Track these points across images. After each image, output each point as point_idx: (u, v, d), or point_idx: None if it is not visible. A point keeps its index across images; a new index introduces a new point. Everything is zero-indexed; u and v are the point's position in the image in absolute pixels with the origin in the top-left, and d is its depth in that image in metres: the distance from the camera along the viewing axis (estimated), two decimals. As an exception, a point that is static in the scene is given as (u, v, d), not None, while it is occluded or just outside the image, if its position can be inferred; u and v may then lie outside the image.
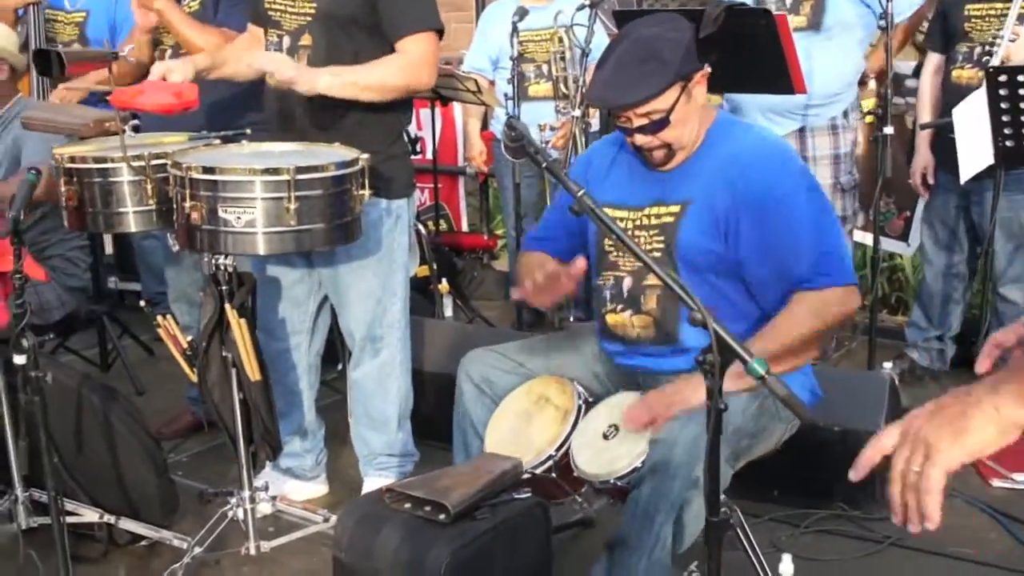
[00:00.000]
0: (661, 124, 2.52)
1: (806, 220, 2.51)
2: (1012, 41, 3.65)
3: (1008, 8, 3.73)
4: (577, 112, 4.00)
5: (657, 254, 2.59)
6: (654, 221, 2.62)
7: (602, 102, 2.76)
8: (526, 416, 2.67)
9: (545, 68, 4.64)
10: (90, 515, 3.06)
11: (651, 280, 2.61)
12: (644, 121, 2.52)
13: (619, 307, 2.69)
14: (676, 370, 2.62)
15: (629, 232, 2.62)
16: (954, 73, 4.03)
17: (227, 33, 3.39)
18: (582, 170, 2.85)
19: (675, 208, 2.60)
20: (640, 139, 2.56)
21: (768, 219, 2.50)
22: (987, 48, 3.81)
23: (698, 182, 2.58)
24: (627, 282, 2.68)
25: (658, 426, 2.41)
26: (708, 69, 2.58)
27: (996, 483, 3.48)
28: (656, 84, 2.47)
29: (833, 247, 2.53)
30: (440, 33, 3.02)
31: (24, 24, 4.66)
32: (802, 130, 4.28)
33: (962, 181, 3.67)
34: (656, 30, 2.55)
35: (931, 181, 4.22)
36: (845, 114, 4.32)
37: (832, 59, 4.05)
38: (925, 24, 4.53)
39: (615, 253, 2.70)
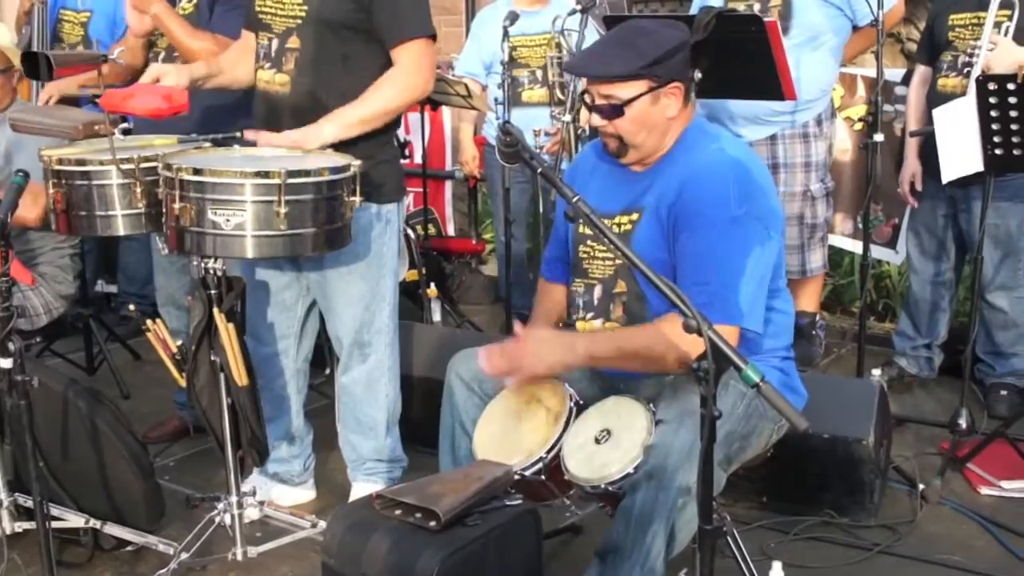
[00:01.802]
0: (616, 111, 2.53)
1: (711, 251, 2.47)
2: (990, 50, 3.67)
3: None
4: (568, 117, 3.99)
5: (619, 261, 2.62)
6: (617, 230, 2.62)
7: (571, 69, 2.81)
8: (516, 416, 2.66)
9: (539, 73, 4.63)
10: (75, 520, 3.03)
11: (619, 288, 2.64)
12: (603, 102, 2.56)
13: (589, 315, 2.72)
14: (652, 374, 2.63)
15: (601, 239, 2.62)
16: (939, 82, 4.05)
17: (220, 39, 3.37)
18: (570, 176, 2.89)
19: (634, 216, 2.62)
20: (595, 120, 2.60)
21: (689, 236, 2.49)
22: (969, 57, 3.83)
23: (655, 190, 2.59)
24: (597, 290, 2.69)
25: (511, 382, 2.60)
26: (693, 79, 2.58)
27: (984, 491, 3.49)
28: (622, 67, 2.50)
29: (728, 289, 2.45)
30: (433, 38, 3.02)
31: (29, 24, 4.64)
32: (773, 137, 4.30)
33: (944, 181, 3.68)
34: (652, 25, 2.58)
35: (919, 189, 4.24)
36: (819, 122, 4.33)
37: (804, 65, 4.05)
38: (914, 32, 4.55)
39: (588, 260, 2.72)
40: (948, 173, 3.61)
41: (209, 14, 3.53)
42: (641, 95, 2.51)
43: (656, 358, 2.46)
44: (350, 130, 2.92)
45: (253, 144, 2.94)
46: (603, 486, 2.43)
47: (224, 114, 3.39)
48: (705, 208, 2.49)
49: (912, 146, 4.24)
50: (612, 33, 2.61)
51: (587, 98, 2.60)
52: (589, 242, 2.70)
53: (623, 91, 2.52)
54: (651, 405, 2.48)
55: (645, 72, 2.50)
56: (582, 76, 2.65)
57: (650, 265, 2.47)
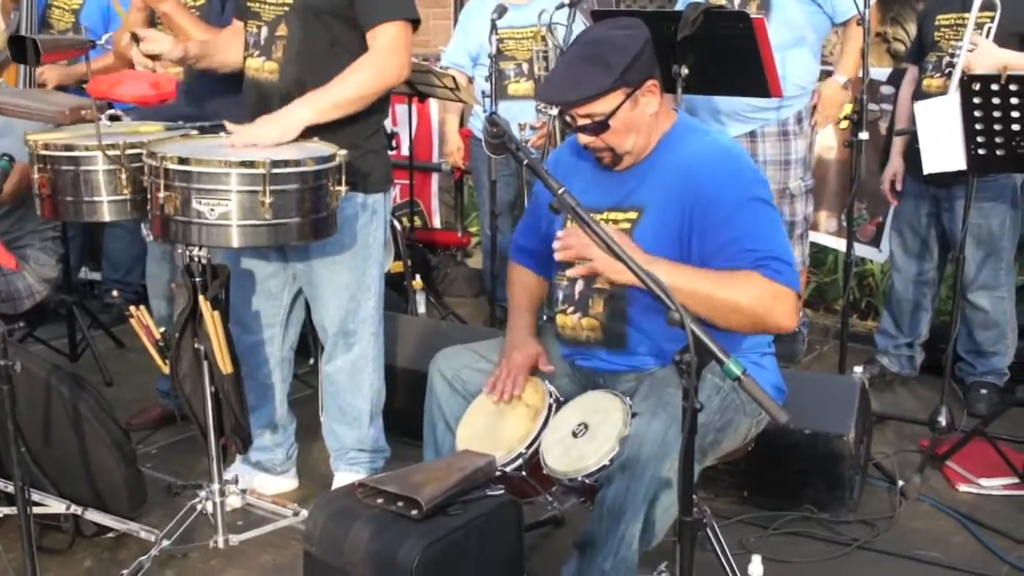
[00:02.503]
0: (602, 126, 2.53)
1: (760, 225, 2.48)
2: (970, 51, 3.69)
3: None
4: (555, 111, 4.00)
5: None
6: (612, 226, 2.60)
7: (545, 98, 2.78)
8: (498, 413, 2.67)
9: (525, 67, 4.63)
10: (57, 506, 3.03)
11: (600, 283, 2.63)
12: (586, 121, 2.54)
13: (569, 308, 2.72)
14: (632, 367, 2.65)
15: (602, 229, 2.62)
16: (924, 82, 4.08)
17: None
18: (551, 170, 2.86)
19: (632, 214, 2.60)
20: (584, 139, 2.59)
21: (721, 224, 2.48)
22: (951, 58, 3.86)
23: (652, 188, 2.58)
24: (579, 284, 2.69)
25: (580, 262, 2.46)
26: (680, 75, 2.58)
27: (963, 488, 3.52)
28: (596, 86, 2.48)
29: (784, 254, 2.47)
30: (416, 24, 3.00)
31: (16, 9, 4.62)
32: (752, 134, 4.31)
33: (925, 172, 3.69)
34: (611, 34, 2.55)
35: (899, 187, 4.27)
36: (799, 120, 4.35)
37: (785, 62, 4.05)
38: (900, 31, 4.58)
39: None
40: (929, 165, 3.63)
41: (221, 8, 3.52)
42: (621, 105, 2.51)
43: (745, 318, 2.40)
44: (325, 114, 2.89)
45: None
46: (580, 479, 2.44)
47: (214, 100, 3.38)
48: (727, 192, 2.49)
49: (897, 145, 4.27)
50: (572, 52, 2.57)
51: (568, 119, 2.58)
52: None
53: (602, 106, 2.50)
54: (628, 399, 2.49)
55: (619, 82, 2.49)
56: (557, 104, 2.60)
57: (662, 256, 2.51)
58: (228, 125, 2.94)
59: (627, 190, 2.63)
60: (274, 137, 2.83)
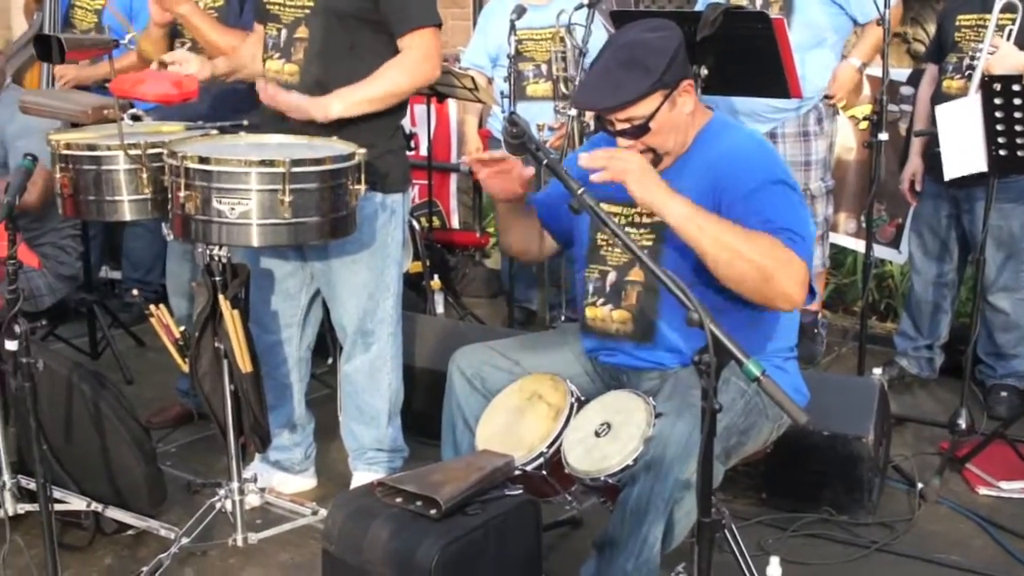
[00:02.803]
0: (642, 130, 2.53)
1: (779, 206, 2.49)
2: (991, 53, 3.67)
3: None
4: (574, 112, 4.00)
5: (644, 251, 2.60)
6: (646, 220, 2.63)
7: (583, 105, 2.78)
8: (518, 412, 2.67)
9: (544, 68, 4.63)
10: (77, 503, 3.05)
11: (633, 276, 2.64)
12: (626, 125, 2.54)
13: (599, 300, 2.71)
14: (657, 364, 2.65)
15: (622, 228, 2.62)
16: (944, 83, 4.06)
17: (249, 35, 3.37)
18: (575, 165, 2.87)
19: None
20: (623, 143, 2.58)
21: (745, 206, 2.49)
22: (972, 60, 3.84)
23: (686, 183, 2.58)
24: (611, 276, 2.70)
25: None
26: (699, 75, 2.59)
27: (983, 491, 3.50)
28: (636, 90, 2.49)
29: (803, 232, 2.47)
30: (439, 27, 3.03)
31: (40, 9, 4.65)
32: (771, 134, 4.30)
33: (946, 179, 3.68)
34: (645, 36, 2.56)
35: (918, 188, 4.25)
36: (819, 120, 4.34)
37: (806, 63, 4.05)
38: (920, 32, 4.56)
39: (606, 247, 2.72)
40: (950, 171, 3.61)
41: (240, 9, 3.53)
42: (660, 107, 2.51)
43: (761, 275, 2.38)
44: (356, 108, 2.94)
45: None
46: (603, 478, 2.44)
47: (234, 102, 3.40)
48: (749, 182, 2.50)
49: (916, 146, 4.25)
50: (607, 57, 2.57)
51: (607, 126, 2.59)
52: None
53: (642, 109, 2.51)
54: (651, 399, 2.49)
55: (658, 85, 2.50)
56: (595, 110, 2.60)
57: (688, 257, 2.52)
58: (260, 85, 2.95)
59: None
60: (305, 104, 2.87)
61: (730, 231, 2.39)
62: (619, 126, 2.55)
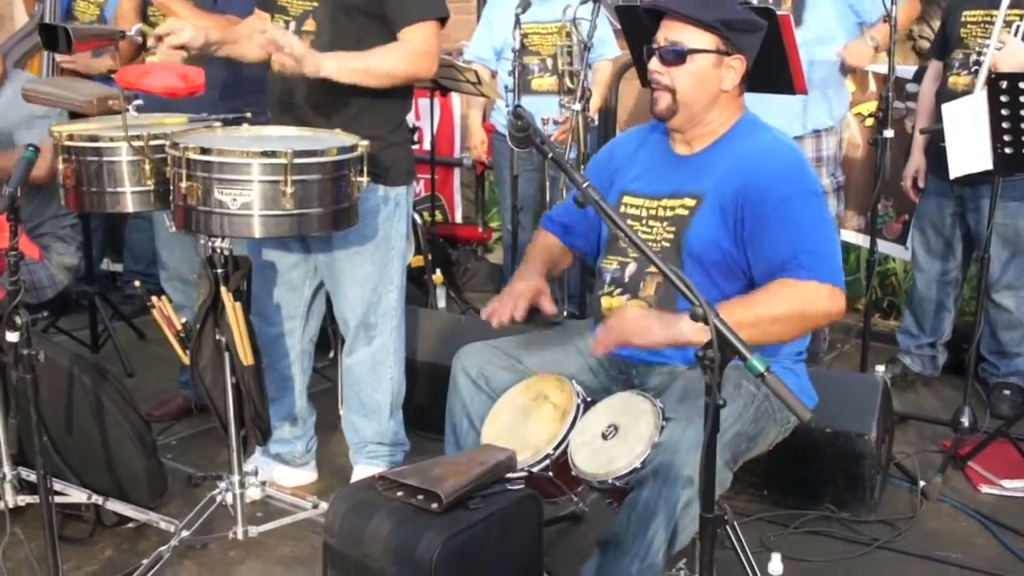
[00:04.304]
0: (679, 56, 2.56)
1: (800, 221, 2.50)
2: (998, 49, 3.65)
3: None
4: (578, 106, 3.99)
5: (667, 244, 2.61)
6: (668, 213, 2.63)
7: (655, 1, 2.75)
8: (524, 413, 2.65)
9: (549, 62, 4.62)
10: (78, 495, 3.05)
11: (653, 268, 2.61)
12: (667, 44, 2.57)
13: (616, 290, 2.71)
14: (667, 359, 2.63)
15: (644, 220, 2.66)
16: (950, 80, 4.04)
17: (231, 19, 3.36)
18: (605, 161, 2.90)
19: (690, 202, 2.61)
20: (655, 65, 2.61)
21: (766, 219, 2.50)
22: (979, 56, 3.82)
23: (713, 177, 2.60)
24: (631, 267, 2.69)
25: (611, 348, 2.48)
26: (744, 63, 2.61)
27: (985, 489, 3.49)
28: (703, 13, 2.52)
29: (821, 247, 2.50)
30: (444, 21, 3.01)
31: (41, 2, 4.64)
32: None
33: (951, 177, 3.67)
34: (739, 5, 2.62)
35: (921, 184, 4.23)
36: (829, 116, 4.31)
37: (814, 60, 4.02)
38: (927, 29, 4.54)
39: (625, 239, 2.70)
40: (956, 169, 3.60)
41: None
42: (707, 50, 2.55)
43: (800, 320, 2.47)
44: (348, 75, 2.87)
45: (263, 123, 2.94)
46: (610, 480, 2.42)
47: (236, 92, 3.39)
48: (776, 190, 2.51)
49: (919, 143, 4.23)
50: None
51: (653, 45, 2.61)
52: (630, 221, 2.67)
53: (692, 38, 2.55)
54: (658, 401, 2.48)
55: (719, 28, 2.53)
56: (665, 7, 2.61)
57: (708, 253, 2.55)
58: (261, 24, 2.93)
59: (686, 178, 2.65)
60: (301, 53, 2.76)
61: (749, 310, 2.41)
62: (662, 41, 2.58)
